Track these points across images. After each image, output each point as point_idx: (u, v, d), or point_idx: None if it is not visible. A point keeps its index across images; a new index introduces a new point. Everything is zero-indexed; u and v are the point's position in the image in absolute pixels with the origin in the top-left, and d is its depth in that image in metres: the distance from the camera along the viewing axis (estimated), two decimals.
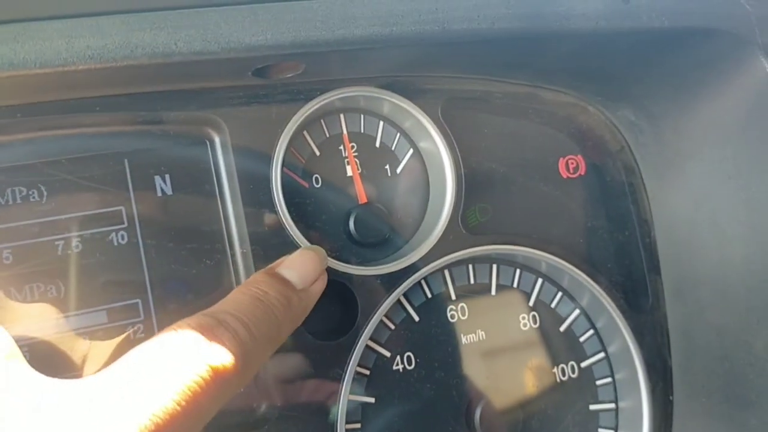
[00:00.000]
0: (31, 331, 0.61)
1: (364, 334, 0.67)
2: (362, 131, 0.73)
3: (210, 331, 0.48)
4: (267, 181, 0.65)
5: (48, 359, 0.60)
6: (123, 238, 0.64)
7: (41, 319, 0.61)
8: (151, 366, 0.45)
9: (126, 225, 0.64)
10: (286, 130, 0.66)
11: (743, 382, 0.70)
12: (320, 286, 0.61)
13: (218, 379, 0.46)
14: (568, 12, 0.63)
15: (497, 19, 0.62)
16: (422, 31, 0.60)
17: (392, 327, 0.71)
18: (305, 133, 0.70)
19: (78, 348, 0.62)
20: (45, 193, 0.62)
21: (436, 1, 0.60)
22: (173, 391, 0.43)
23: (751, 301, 0.69)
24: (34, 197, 0.62)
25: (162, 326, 0.62)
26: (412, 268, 0.70)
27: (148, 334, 0.63)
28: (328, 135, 0.71)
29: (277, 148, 0.66)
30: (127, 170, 0.65)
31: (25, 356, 0.57)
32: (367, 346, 0.69)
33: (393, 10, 0.59)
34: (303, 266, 0.59)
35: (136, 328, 0.64)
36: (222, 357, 0.47)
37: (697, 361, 0.75)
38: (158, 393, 0.43)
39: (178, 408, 0.43)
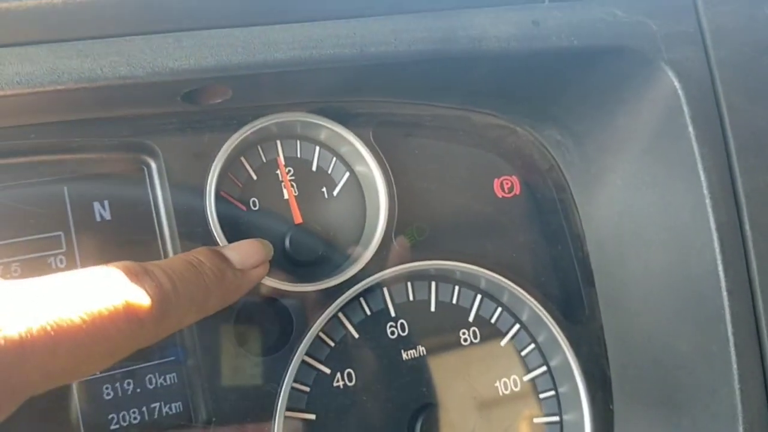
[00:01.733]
0: None
1: (299, 349, 0.68)
2: (299, 156, 0.76)
3: (134, 274, 0.50)
4: (202, 206, 0.68)
5: None
6: (62, 262, 0.66)
7: None
8: (67, 283, 0.47)
9: (65, 249, 0.66)
10: (219, 155, 0.69)
11: (674, 385, 0.72)
12: (260, 272, 0.64)
13: (131, 315, 0.47)
14: (480, 35, 0.67)
15: (413, 42, 0.65)
16: (341, 54, 0.64)
17: (332, 344, 0.72)
18: (242, 158, 0.73)
19: None
20: None
21: (354, 26, 0.64)
22: (80, 308, 0.44)
23: (675, 305, 0.71)
24: None
25: None
26: (347, 284, 0.72)
27: None
28: (264, 160, 0.74)
29: (211, 173, 0.68)
30: (66, 197, 0.67)
31: None
32: (307, 363, 0.71)
33: (312, 35, 0.63)
34: (244, 249, 0.63)
35: None
36: (139, 297, 0.48)
37: (633, 368, 0.77)
38: (64, 305, 0.44)
39: (81, 325, 0.44)
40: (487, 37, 0.67)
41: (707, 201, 0.67)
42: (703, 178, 0.67)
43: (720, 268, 0.66)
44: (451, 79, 0.73)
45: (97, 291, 0.47)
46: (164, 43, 0.59)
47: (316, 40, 0.63)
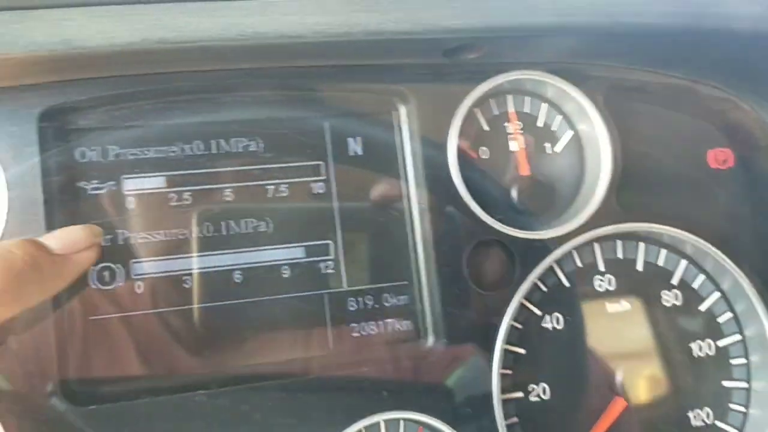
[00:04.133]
0: (243, 258, 0.73)
1: (520, 290, 0.75)
2: (527, 111, 0.81)
3: None
4: (444, 148, 0.75)
5: (256, 281, 0.73)
6: (321, 188, 0.76)
7: (253, 248, 0.73)
8: None
9: (324, 177, 0.76)
10: (462, 104, 0.76)
11: None
12: (87, 256, 0.64)
13: None
14: (731, 13, 0.69)
15: (665, 15, 0.69)
16: (594, 22, 0.68)
17: (545, 289, 0.79)
18: (476, 109, 0.79)
19: (279, 274, 0.74)
20: (262, 144, 0.75)
21: None
22: None
23: None
24: (252, 147, 0.75)
25: (348, 265, 0.74)
26: (566, 237, 0.77)
27: (337, 270, 0.75)
28: (496, 113, 0.80)
29: (455, 120, 0.75)
30: (327, 131, 0.77)
31: (236, 278, 0.70)
32: (521, 304, 0.77)
33: (572, 2, 0.68)
34: (66, 235, 0.63)
35: (326, 264, 0.75)
36: None
37: None
38: None
39: None
40: (737, 16, 0.69)
41: None
42: None
43: None
44: (689, 51, 0.75)
45: None
46: (440, 4, 0.66)
47: (575, 8, 0.67)
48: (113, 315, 0.70)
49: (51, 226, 0.67)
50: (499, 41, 0.70)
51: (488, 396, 0.74)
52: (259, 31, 0.64)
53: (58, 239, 0.61)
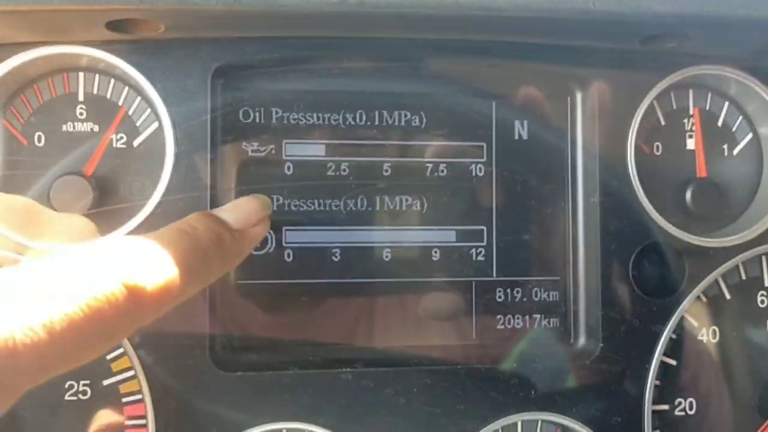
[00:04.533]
0: (394, 236, 0.71)
1: (688, 299, 0.70)
2: (707, 108, 0.75)
3: (128, 253, 0.47)
4: (623, 140, 0.70)
5: (405, 261, 0.70)
6: (480, 171, 0.72)
7: (405, 227, 0.71)
8: (63, 271, 0.43)
9: (484, 160, 0.72)
10: (649, 95, 0.70)
11: None
12: (260, 231, 0.61)
13: (131, 298, 0.44)
14: None
15: None
16: None
17: (704, 300, 0.74)
18: (654, 102, 0.73)
19: (429, 256, 0.71)
20: (425, 120, 0.71)
21: None
22: (77, 297, 0.41)
23: None
24: (415, 122, 0.71)
25: (500, 254, 0.71)
26: (738, 248, 0.72)
27: (488, 258, 0.71)
28: (674, 107, 0.74)
29: (638, 111, 0.70)
30: (493, 112, 0.72)
31: (385, 256, 0.67)
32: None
33: None
34: (241, 209, 0.60)
35: (478, 250, 0.72)
36: (138, 277, 0.45)
37: None
38: (60, 295, 0.41)
39: (79, 313, 0.40)
40: None
41: None
42: None
43: None
44: None
45: (95, 275, 0.43)
46: None
47: None
48: (262, 281, 0.69)
49: (213, 186, 0.66)
50: (704, 32, 0.64)
51: (637, 406, 0.70)
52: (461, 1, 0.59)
53: (235, 213, 0.59)
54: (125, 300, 0.43)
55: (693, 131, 0.74)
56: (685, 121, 0.74)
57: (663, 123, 0.74)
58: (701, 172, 0.73)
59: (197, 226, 0.53)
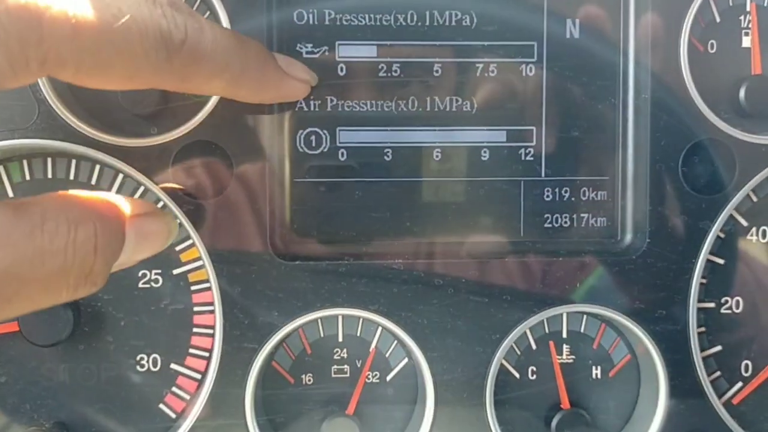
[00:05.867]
0: (444, 137, 0.72)
1: (736, 196, 0.71)
2: (765, 5, 0.73)
3: (180, 8, 0.48)
4: (676, 37, 0.69)
5: (455, 160, 0.72)
6: (531, 71, 0.73)
7: (455, 127, 0.72)
8: None
9: (535, 59, 0.73)
10: None
11: None
12: (301, 86, 0.66)
13: (161, 40, 0.45)
14: None
15: None
16: None
17: (755, 199, 0.74)
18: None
19: (478, 156, 0.73)
20: (475, 20, 0.72)
21: None
22: (110, 8, 0.42)
23: None
24: (465, 22, 0.72)
25: (549, 154, 0.72)
26: None
27: (537, 158, 0.73)
28: (731, 4, 0.73)
29: (692, 8, 0.69)
30: (545, 11, 0.72)
31: (436, 155, 0.69)
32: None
33: None
34: (288, 60, 0.66)
35: (527, 150, 0.73)
36: (175, 27, 0.46)
37: None
38: None
39: (106, 22, 0.41)
40: None
41: None
42: None
43: None
44: None
45: (137, 6, 0.43)
46: None
47: None
48: (317, 179, 0.72)
49: None
50: None
51: (683, 302, 0.72)
52: None
53: (281, 59, 0.64)
54: (154, 39, 0.45)
55: (749, 28, 0.72)
56: (742, 18, 0.73)
57: (718, 20, 0.73)
58: (756, 69, 0.72)
59: (249, 42, 0.58)
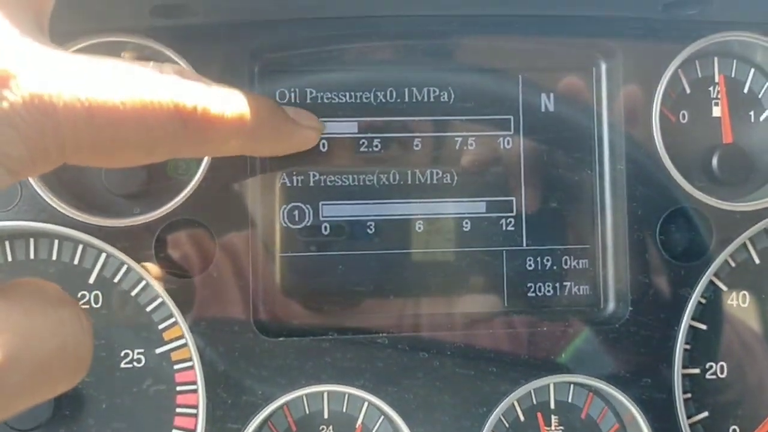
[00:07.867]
0: (426, 208, 0.73)
1: (714, 263, 0.72)
2: (732, 76, 0.76)
3: (189, 79, 0.49)
4: (648, 109, 0.71)
5: (437, 232, 0.73)
6: (508, 143, 0.74)
7: (436, 199, 0.73)
8: (114, 67, 0.44)
9: (512, 132, 0.74)
10: (672, 63, 0.72)
11: None
12: (311, 134, 0.68)
13: (176, 113, 0.46)
14: None
15: None
16: None
17: (733, 265, 0.75)
18: (679, 70, 0.75)
19: (460, 226, 0.74)
20: (453, 95, 0.74)
21: None
22: (123, 91, 0.42)
23: None
24: (443, 98, 0.74)
25: (530, 223, 0.73)
26: (765, 212, 0.73)
27: (518, 227, 0.74)
28: (699, 75, 0.75)
29: (663, 80, 0.71)
30: (520, 85, 0.74)
31: (418, 227, 0.70)
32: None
33: None
34: (295, 109, 0.68)
35: (508, 220, 0.74)
36: (188, 98, 0.47)
37: None
38: (106, 82, 0.42)
39: (120, 105, 0.42)
40: None
41: None
42: None
43: None
44: None
45: (145, 80, 0.44)
46: None
47: None
48: (301, 253, 0.72)
49: (253, 163, 0.70)
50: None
51: (668, 369, 0.72)
52: None
53: (290, 109, 0.66)
54: (168, 113, 0.45)
55: (719, 98, 0.75)
56: (711, 88, 0.75)
57: (688, 91, 0.75)
58: (727, 138, 0.74)
59: (260, 99, 0.58)
